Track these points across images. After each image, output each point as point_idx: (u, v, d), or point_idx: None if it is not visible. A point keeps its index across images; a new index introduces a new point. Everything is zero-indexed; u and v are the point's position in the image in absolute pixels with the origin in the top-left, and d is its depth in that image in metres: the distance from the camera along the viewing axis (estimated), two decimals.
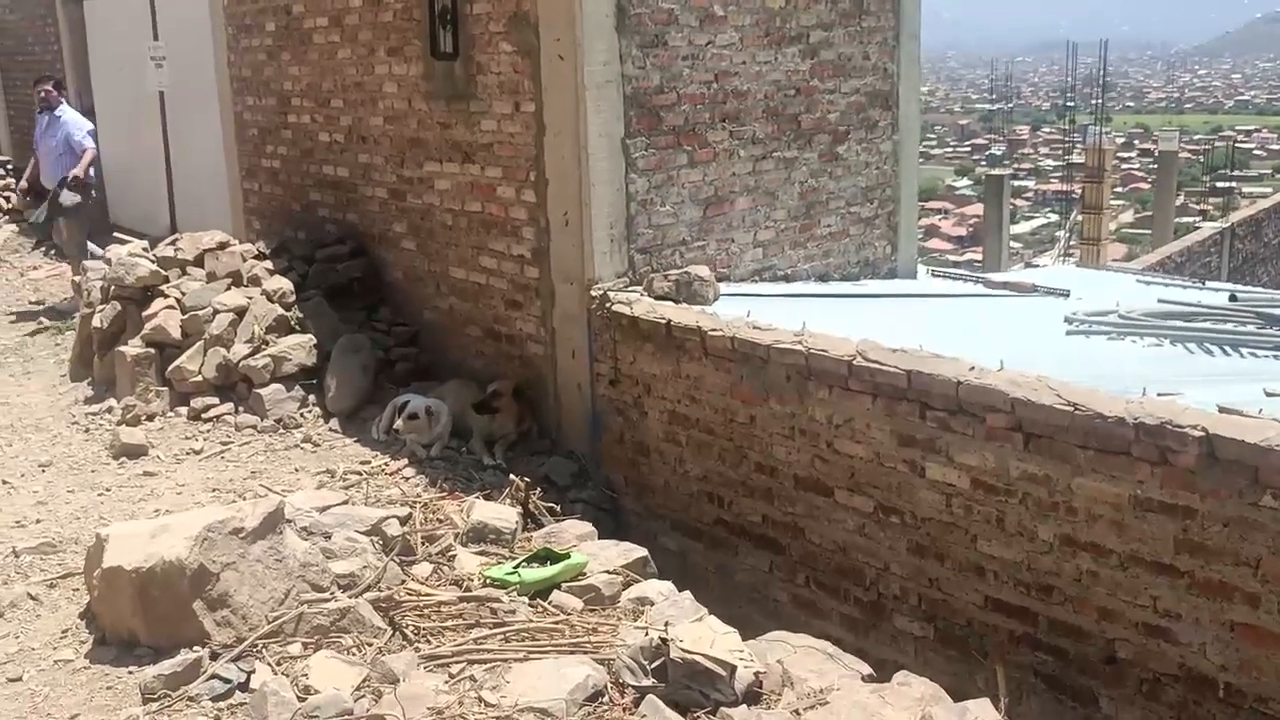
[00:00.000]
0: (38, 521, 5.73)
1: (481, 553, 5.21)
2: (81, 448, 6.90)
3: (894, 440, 4.85)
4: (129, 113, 13.06)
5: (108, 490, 6.15)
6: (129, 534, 4.22)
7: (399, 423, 6.66)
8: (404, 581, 4.78)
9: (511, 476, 6.04)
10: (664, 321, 5.80)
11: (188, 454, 6.73)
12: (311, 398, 7.33)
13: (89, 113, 13.75)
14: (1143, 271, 13.04)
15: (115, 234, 13.83)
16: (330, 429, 7.09)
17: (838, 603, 5.26)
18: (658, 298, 6.15)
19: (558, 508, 6.09)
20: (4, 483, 6.30)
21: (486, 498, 5.91)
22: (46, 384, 8.30)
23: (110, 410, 7.42)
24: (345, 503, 5.46)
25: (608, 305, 6.18)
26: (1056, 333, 6.40)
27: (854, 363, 4.91)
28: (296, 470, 6.46)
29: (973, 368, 4.56)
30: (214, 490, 6.14)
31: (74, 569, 5.04)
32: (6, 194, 13.94)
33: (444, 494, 5.99)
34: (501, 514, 5.50)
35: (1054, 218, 56.95)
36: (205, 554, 4.13)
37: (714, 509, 5.80)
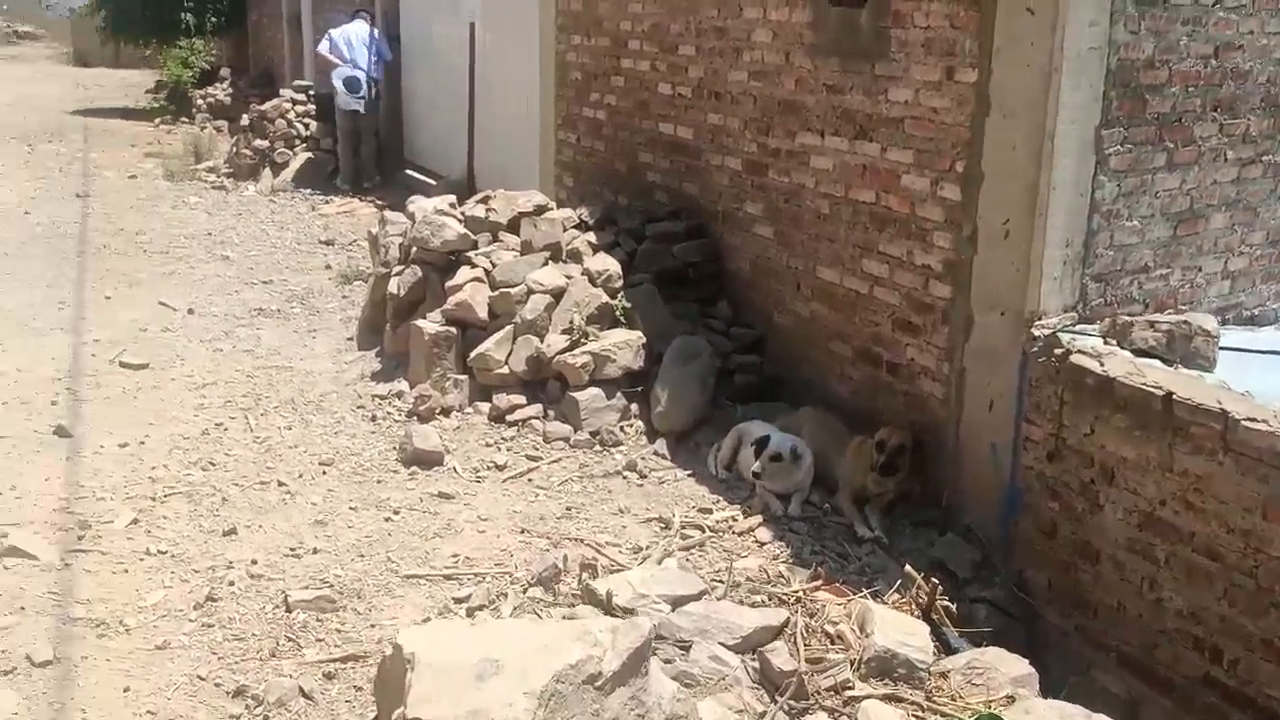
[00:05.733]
0: (314, 552, 4.62)
1: (892, 697, 3.74)
2: (367, 442, 5.81)
3: None
4: (435, 45, 12.17)
5: (396, 514, 5.00)
6: (442, 664, 2.94)
7: (757, 465, 5.23)
8: None
9: (909, 569, 4.54)
10: (1159, 392, 4.13)
11: (489, 468, 5.53)
12: (634, 408, 6.03)
13: (394, 40, 13.08)
14: None
15: (408, 170, 13.07)
16: (656, 453, 5.75)
17: None
18: (1137, 351, 4.48)
19: (953, 607, 4.59)
20: (280, 484, 5.25)
21: (874, 594, 4.45)
22: (332, 348, 7.33)
23: (400, 396, 6.32)
24: (703, 594, 4.09)
25: (1060, 352, 4.56)
26: None
27: None
28: (620, 511, 5.15)
29: None
30: (523, 532, 4.89)
31: (356, 648, 3.88)
32: (305, 120, 13.29)
33: (818, 579, 4.54)
34: (910, 633, 4.02)
35: None
36: (551, 715, 2.80)
37: (1201, 661, 4.13)
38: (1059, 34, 4.48)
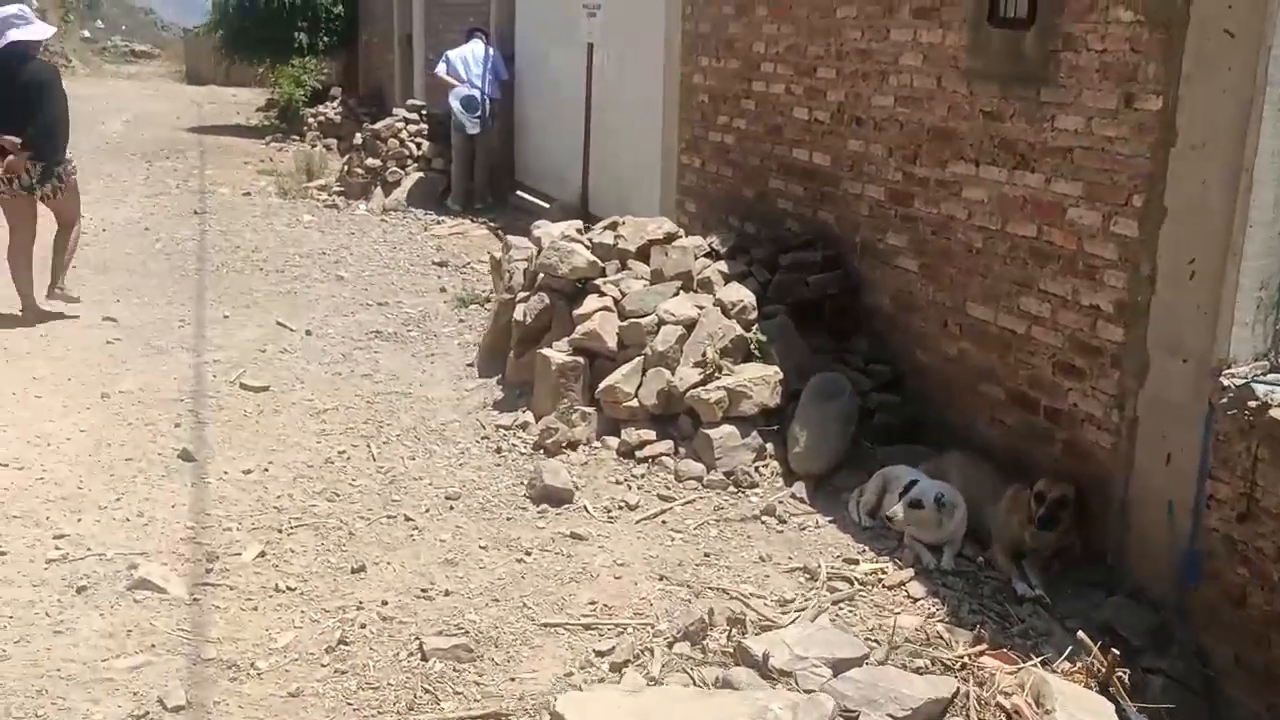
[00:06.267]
0: (446, 594, 4.41)
1: None
2: (493, 476, 5.61)
3: None
4: (550, 65, 12.07)
5: (528, 555, 4.77)
6: None
7: (897, 510, 4.96)
8: None
9: (1083, 636, 4.18)
10: None
11: (620, 508, 5.30)
12: (769, 447, 5.75)
13: (509, 60, 13.01)
14: None
15: (519, 192, 12.99)
16: (794, 497, 5.47)
17: None
18: None
19: (1126, 678, 4.21)
20: (407, 519, 5.06)
21: (1043, 661, 4.10)
22: (451, 373, 7.17)
23: (525, 427, 6.13)
24: (865, 658, 3.80)
25: (1255, 405, 4.18)
26: None
27: None
28: (761, 559, 4.87)
29: None
30: (661, 578, 4.64)
31: (498, 704, 3.65)
32: (418, 140, 13.27)
33: (982, 642, 4.20)
34: (1095, 712, 3.67)
35: None
36: None
37: None
38: (1264, 58, 4.12)
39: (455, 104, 12.31)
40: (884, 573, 4.77)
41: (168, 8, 47.24)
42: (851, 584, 4.66)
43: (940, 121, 5.78)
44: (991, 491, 5.15)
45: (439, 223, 12.07)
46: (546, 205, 11.88)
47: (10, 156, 7.43)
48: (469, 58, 12.47)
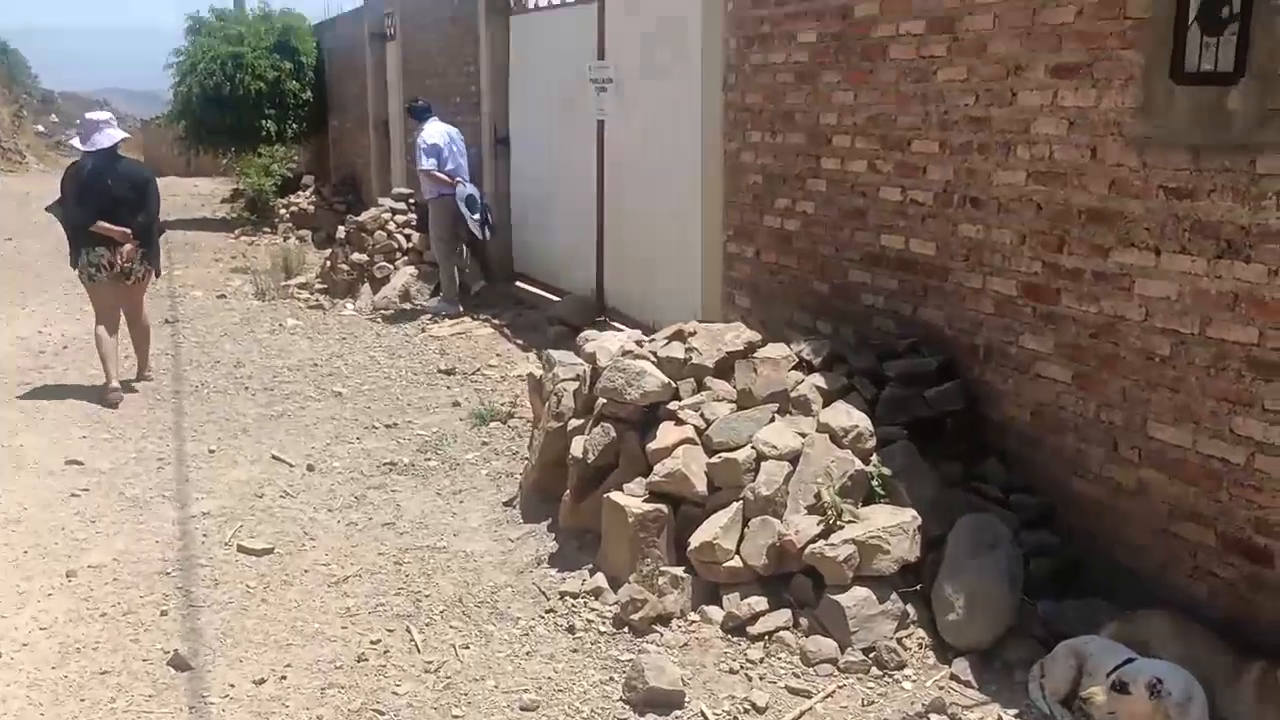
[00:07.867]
0: None
1: None
2: (572, 669, 4.41)
3: None
4: (552, 145, 11.03)
5: None
6: None
7: (1097, 690, 3.83)
8: None
9: None
10: None
11: (746, 711, 4.11)
12: (911, 611, 4.60)
13: (503, 143, 11.97)
14: None
15: (518, 283, 11.92)
16: (955, 679, 4.31)
17: None
18: None
19: None
20: None
21: None
22: (487, 518, 5.99)
23: (598, 594, 4.95)
24: None
25: None
26: None
27: None
28: None
29: None
30: None
31: None
32: (406, 231, 12.16)
33: None
34: None
35: None
36: None
37: None
38: None
39: (465, 209, 11.10)
40: None
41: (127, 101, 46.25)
42: None
43: (1097, 201, 4.71)
44: (1224, 670, 4.02)
45: (435, 322, 10.92)
46: (555, 298, 10.81)
47: (126, 245, 8.12)
48: (454, 143, 11.35)
